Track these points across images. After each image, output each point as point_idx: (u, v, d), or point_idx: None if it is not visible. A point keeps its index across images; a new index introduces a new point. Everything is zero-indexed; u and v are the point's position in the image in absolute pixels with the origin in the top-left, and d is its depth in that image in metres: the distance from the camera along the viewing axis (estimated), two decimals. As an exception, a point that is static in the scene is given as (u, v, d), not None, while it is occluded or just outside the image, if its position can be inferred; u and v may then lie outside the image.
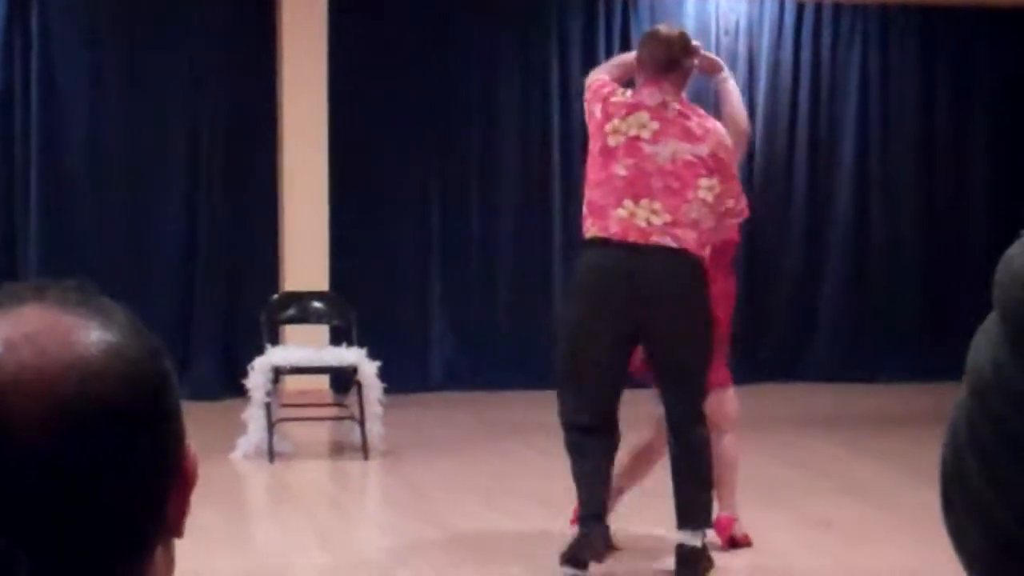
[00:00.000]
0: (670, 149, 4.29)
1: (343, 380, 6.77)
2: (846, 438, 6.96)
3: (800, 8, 8.80)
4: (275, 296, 7.16)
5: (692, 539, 4.30)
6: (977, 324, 0.73)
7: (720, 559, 4.58)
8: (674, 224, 4.25)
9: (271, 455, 6.24)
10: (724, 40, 8.69)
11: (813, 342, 8.89)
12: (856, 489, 5.72)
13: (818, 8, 8.82)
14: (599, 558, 4.28)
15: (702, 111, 4.46)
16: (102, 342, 0.74)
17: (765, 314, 8.86)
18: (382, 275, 8.21)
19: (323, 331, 7.24)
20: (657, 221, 4.25)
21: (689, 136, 4.31)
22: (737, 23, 8.70)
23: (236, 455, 6.26)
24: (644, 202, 4.25)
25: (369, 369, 6.40)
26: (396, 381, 6.90)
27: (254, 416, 6.33)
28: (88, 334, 0.74)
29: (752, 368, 8.74)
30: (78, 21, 7.92)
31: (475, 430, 7.08)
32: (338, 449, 6.71)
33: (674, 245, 4.24)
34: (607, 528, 4.36)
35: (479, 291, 8.41)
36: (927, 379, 8.47)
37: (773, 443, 6.76)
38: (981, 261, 8.48)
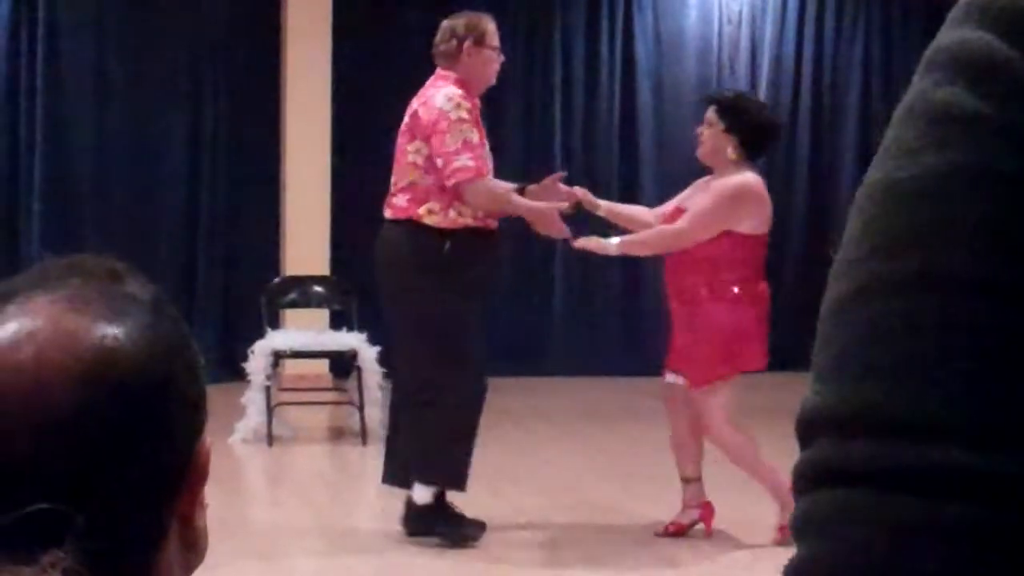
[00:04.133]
0: (403, 125, 4.67)
1: (343, 365, 6.79)
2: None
3: (803, -3, 8.80)
4: (276, 280, 7.18)
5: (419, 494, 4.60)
6: None
7: (714, 549, 4.60)
8: (393, 194, 4.60)
9: (270, 439, 6.25)
10: (727, 29, 8.69)
11: (814, 333, 8.89)
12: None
13: (822, -3, 8.82)
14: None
15: (443, 83, 4.60)
16: (103, 346, 0.73)
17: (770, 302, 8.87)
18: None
19: (323, 315, 7.25)
20: (389, 194, 4.65)
21: (409, 108, 4.64)
22: (740, 12, 8.69)
23: (235, 439, 6.28)
24: (393, 179, 4.67)
25: (369, 354, 6.42)
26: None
27: (253, 400, 6.35)
28: (89, 337, 0.73)
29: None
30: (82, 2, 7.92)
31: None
32: (337, 434, 6.73)
33: (388, 215, 4.60)
34: None
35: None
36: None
37: (768, 432, 6.77)
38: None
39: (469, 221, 4.50)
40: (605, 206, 4.83)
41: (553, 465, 6.00)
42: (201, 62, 8.07)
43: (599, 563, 4.48)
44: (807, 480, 0.53)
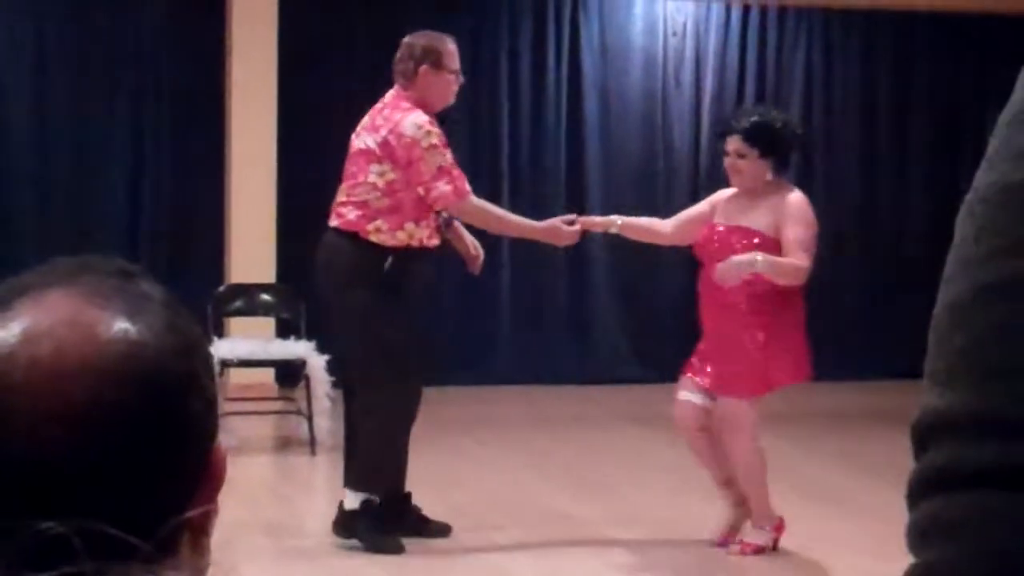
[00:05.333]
0: (360, 140, 4.74)
1: (290, 374, 6.75)
2: (789, 435, 7.05)
3: (746, 10, 8.91)
4: (221, 288, 7.13)
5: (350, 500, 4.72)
6: (917, 323, 0.76)
7: (673, 558, 4.64)
8: (343, 204, 4.72)
9: (217, 449, 6.21)
10: (672, 41, 8.78)
11: (756, 340, 8.99)
12: (800, 486, 5.80)
13: (763, 11, 8.94)
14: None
15: (406, 104, 4.68)
16: (124, 340, 0.70)
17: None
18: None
19: (270, 323, 7.21)
20: (337, 202, 4.77)
21: (372, 126, 4.71)
22: (684, 25, 8.79)
23: (181, 449, 6.22)
24: (342, 187, 4.79)
25: (317, 363, 6.39)
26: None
27: (201, 409, 6.29)
28: (111, 330, 0.70)
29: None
30: (22, 4, 7.82)
31: (422, 425, 7.09)
32: (284, 444, 6.69)
33: (334, 223, 4.73)
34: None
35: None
36: (867, 378, 8.61)
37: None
38: (921, 261, 8.64)
39: (414, 243, 4.65)
40: (623, 223, 4.87)
41: (502, 473, 6.02)
42: (144, 70, 8.01)
43: (550, 571, 4.51)
44: (931, 484, 0.51)
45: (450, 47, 4.75)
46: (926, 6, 8.86)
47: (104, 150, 7.97)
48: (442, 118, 4.85)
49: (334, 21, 8.24)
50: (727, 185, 4.84)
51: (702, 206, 4.86)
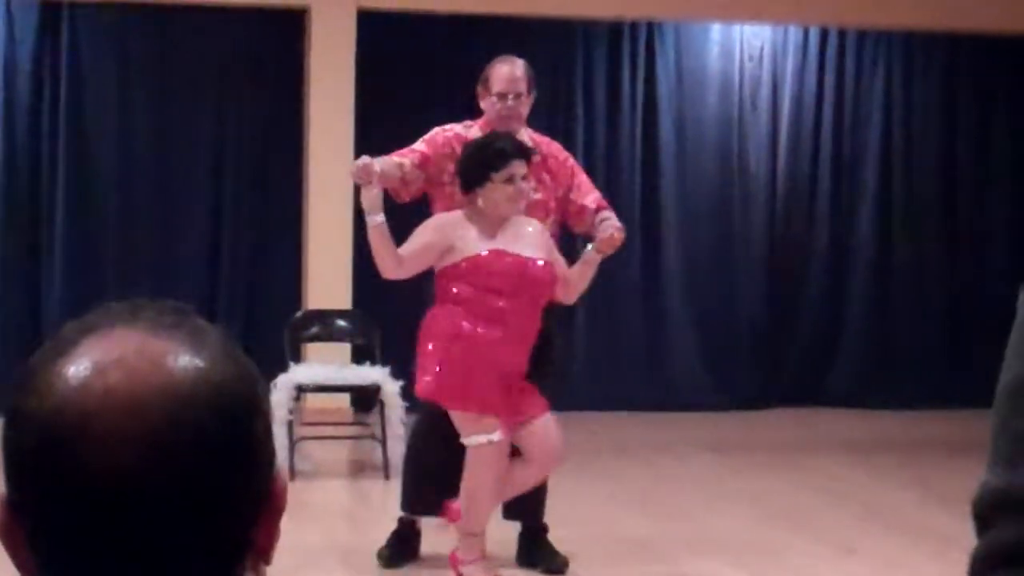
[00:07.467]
0: None
1: (365, 399, 6.79)
2: (868, 464, 6.94)
3: (824, 34, 8.83)
4: (299, 314, 7.20)
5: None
6: (999, 351, 0.74)
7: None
8: None
9: (292, 473, 6.26)
10: (748, 66, 8.72)
11: (835, 367, 8.87)
12: (879, 515, 5.70)
13: (842, 34, 8.85)
14: None
15: (466, 122, 4.89)
16: (192, 367, 0.73)
17: (787, 338, 8.86)
18: (407, 293, 8.22)
19: (345, 349, 7.27)
20: None
21: None
22: (762, 49, 8.73)
23: (258, 472, 6.28)
24: None
25: (392, 388, 6.43)
26: (418, 401, 6.91)
27: (276, 434, 6.31)
28: (178, 359, 0.73)
29: (774, 391, 8.74)
30: (106, 39, 8.01)
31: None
32: (359, 468, 6.73)
33: None
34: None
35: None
36: (948, 406, 8.44)
37: (795, 467, 6.76)
38: (1003, 287, 8.46)
39: None
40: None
41: (578, 500, 5.99)
42: (225, 99, 8.15)
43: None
44: (997, 560, 0.53)
45: (498, 69, 4.78)
46: (1008, 30, 8.71)
47: (185, 180, 8.11)
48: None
49: (412, 51, 8.31)
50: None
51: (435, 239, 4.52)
